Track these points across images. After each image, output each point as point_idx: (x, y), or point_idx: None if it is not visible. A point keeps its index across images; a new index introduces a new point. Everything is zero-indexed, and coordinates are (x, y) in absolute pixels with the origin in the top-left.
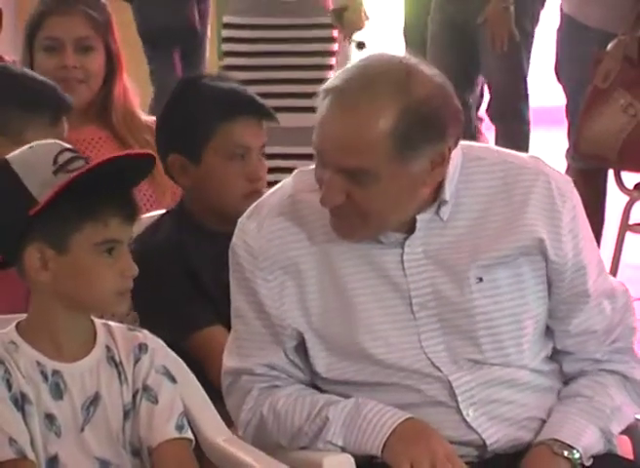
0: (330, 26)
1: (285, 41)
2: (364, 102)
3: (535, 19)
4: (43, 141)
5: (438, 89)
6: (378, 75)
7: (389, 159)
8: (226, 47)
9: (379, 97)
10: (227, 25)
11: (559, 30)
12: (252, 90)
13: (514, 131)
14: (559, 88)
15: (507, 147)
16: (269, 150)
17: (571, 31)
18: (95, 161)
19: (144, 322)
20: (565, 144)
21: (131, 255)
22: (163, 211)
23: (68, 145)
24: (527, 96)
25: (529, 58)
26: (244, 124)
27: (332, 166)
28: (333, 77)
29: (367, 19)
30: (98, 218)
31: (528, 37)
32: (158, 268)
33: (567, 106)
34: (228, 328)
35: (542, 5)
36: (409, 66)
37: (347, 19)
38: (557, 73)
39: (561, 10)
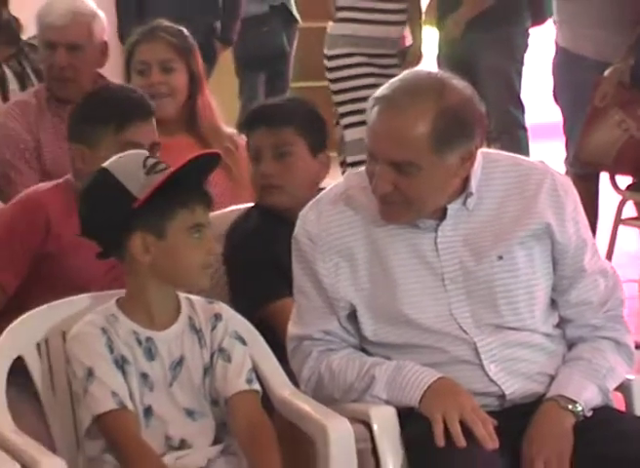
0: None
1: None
2: (408, 107)
3: (524, 49)
4: (129, 151)
5: (468, 97)
6: (418, 85)
7: (429, 152)
8: (333, 75)
9: (420, 102)
10: (334, 57)
11: (554, 60)
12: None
13: (512, 134)
14: (556, 108)
15: (507, 150)
16: None
17: (566, 61)
18: (180, 162)
19: (233, 291)
20: (562, 154)
21: (226, 239)
22: (251, 204)
23: (142, 152)
24: (522, 107)
25: (520, 80)
26: None
27: (382, 160)
28: (380, 89)
29: (422, 56)
30: (187, 207)
31: (517, 63)
32: (246, 251)
33: (564, 123)
34: None
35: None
36: (443, 78)
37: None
38: (555, 96)
39: (556, 44)
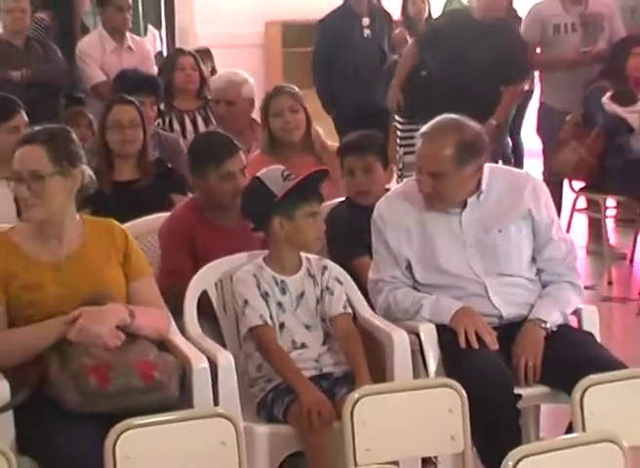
0: None
1: None
2: (439, 139)
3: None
4: (272, 167)
5: (478, 131)
6: (445, 125)
7: (454, 168)
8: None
9: (447, 136)
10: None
11: (538, 110)
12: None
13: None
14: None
15: None
16: None
17: (545, 111)
18: (305, 173)
19: (331, 253)
20: (541, 168)
21: (325, 221)
22: (343, 198)
23: (283, 167)
24: None
25: None
26: None
27: (425, 172)
28: (423, 128)
29: None
30: (307, 202)
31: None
32: (340, 227)
33: (543, 149)
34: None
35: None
36: (461, 120)
37: None
38: (537, 132)
39: (540, 100)
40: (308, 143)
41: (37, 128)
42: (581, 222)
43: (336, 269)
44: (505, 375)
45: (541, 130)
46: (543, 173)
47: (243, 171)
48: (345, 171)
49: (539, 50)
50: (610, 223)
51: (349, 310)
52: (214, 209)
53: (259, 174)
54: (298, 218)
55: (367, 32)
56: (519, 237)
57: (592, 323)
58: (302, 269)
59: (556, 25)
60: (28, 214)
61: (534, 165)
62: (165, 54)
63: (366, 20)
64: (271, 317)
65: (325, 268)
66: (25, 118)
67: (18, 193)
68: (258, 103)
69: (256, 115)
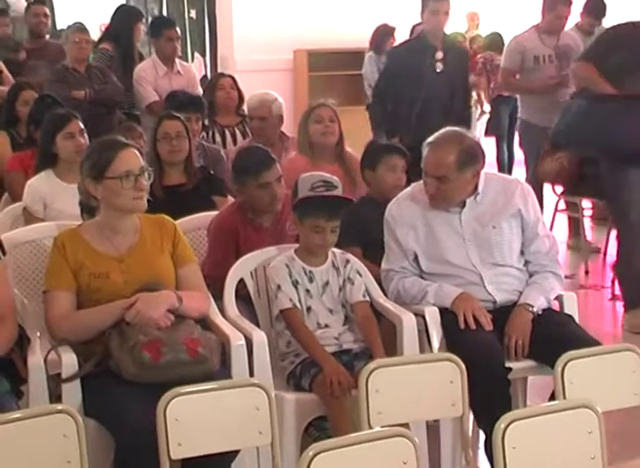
0: None
1: None
2: (443, 147)
3: None
4: (316, 173)
5: (476, 142)
6: (449, 135)
7: (455, 172)
8: None
9: (450, 144)
10: None
11: (519, 126)
12: None
13: None
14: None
15: None
16: None
17: (524, 127)
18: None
19: (343, 242)
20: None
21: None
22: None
23: (325, 176)
24: None
25: None
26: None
27: (431, 176)
28: (430, 138)
29: None
30: (314, 216)
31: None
32: (353, 221)
33: (525, 159)
34: (379, 252)
35: None
36: (462, 131)
37: None
38: (520, 145)
39: (520, 117)
40: (338, 154)
41: (115, 137)
42: (562, 221)
43: (357, 263)
44: (498, 352)
45: (523, 143)
46: (526, 179)
47: (279, 180)
48: (389, 166)
49: (518, 77)
50: (587, 222)
51: (367, 298)
52: (254, 211)
53: (302, 175)
54: (304, 225)
55: (440, 67)
56: (510, 232)
57: (572, 307)
58: (328, 261)
59: (536, 57)
60: (137, 204)
61: (516, 172)
62: (208, 77)
63: (439, 54)
64: (300, 301)
65: (347, 261)
66: (81, 126)
67: (135, 186)
68: (286, 119)
69: (285, 129)
